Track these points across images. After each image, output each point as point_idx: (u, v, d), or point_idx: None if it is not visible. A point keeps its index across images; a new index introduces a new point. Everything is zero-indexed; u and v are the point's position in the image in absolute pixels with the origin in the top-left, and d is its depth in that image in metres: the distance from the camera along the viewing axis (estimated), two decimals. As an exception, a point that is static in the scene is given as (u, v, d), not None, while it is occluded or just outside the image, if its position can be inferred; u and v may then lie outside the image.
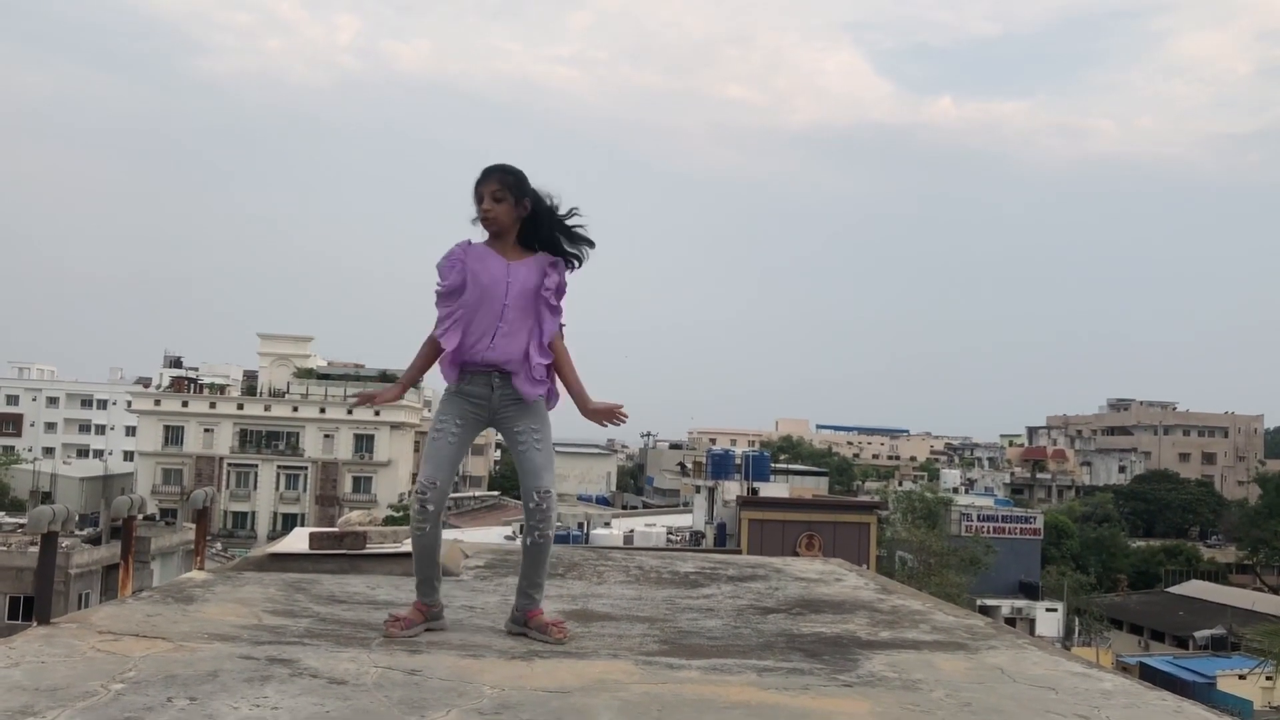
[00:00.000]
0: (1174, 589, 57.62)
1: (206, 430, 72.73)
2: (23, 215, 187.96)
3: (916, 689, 3.27)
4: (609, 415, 3.96)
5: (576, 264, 3.97)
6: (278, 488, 72.31)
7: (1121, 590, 60.72)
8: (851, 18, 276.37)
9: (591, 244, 3.98)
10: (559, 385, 4.00)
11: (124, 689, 2.82)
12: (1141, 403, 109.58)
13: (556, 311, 3.91)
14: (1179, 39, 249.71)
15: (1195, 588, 56.41)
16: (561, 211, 3.94)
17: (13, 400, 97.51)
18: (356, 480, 73.02)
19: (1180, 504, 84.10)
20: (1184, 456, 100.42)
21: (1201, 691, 31.38)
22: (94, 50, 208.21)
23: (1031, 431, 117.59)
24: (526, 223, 3.92)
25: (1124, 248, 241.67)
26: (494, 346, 3.82)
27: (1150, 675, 33.41)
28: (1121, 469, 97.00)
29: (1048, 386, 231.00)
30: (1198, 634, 46.12)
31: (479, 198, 3.87)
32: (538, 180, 3.97)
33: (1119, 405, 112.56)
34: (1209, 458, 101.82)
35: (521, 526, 4.26)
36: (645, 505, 70.36)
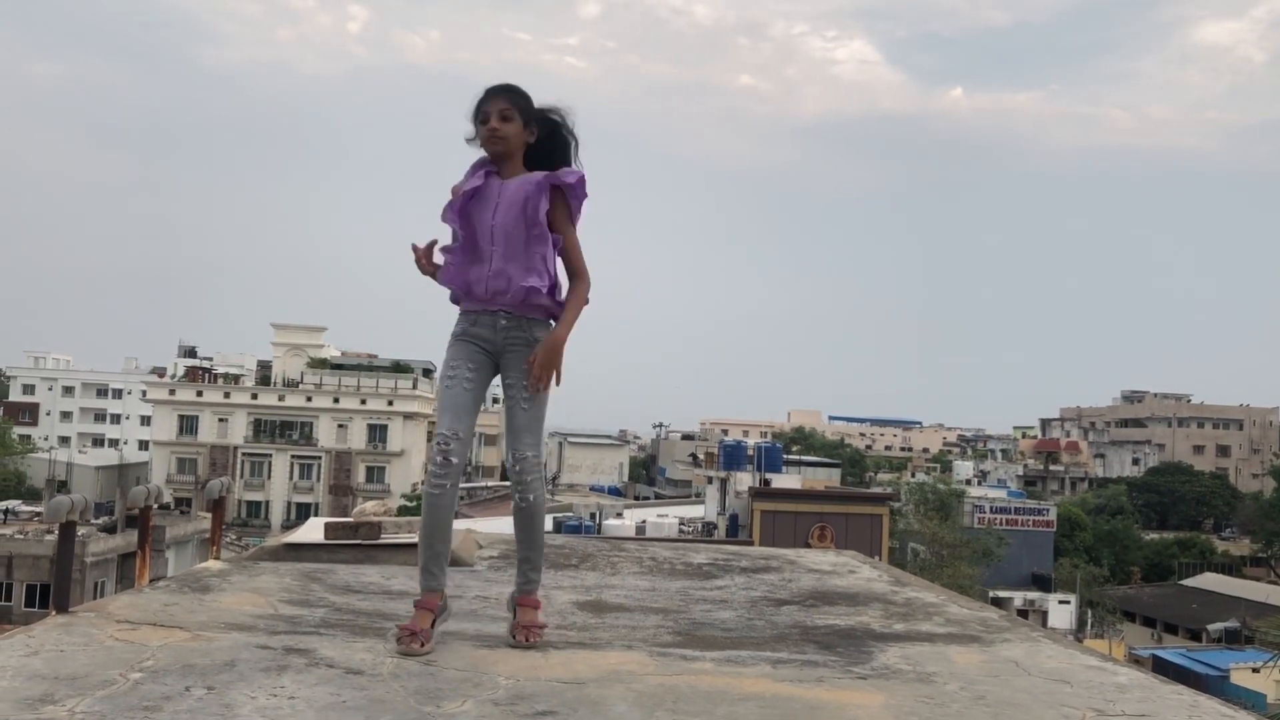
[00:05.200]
0: (1187, 582, 57.47)
1: (221, 420, 73.17)
2: (37, 206, 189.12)
3: (931, 682, 3.26)
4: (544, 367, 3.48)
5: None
6: (291, 477, 72.70)
7: (1134, 583, 60.60)
8: (862, 6, 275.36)
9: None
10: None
11: (142, 678, 2.84)
12: (1155, 395, 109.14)
13: (558, 227, 3.51)
14: (1193, 27, 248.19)
15: (1209, 580, 56.24)
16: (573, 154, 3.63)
17: (29, 389, 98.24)
18: (370, 470, 73.34)
19: (1194, 496, 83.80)
20: (1198, 449, 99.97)
21: (1214, 685, 31.27)
22: (106, 40, 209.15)
23: (1045, 423, 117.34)
24: (531, 149, 3.58)
25: (1136, 238, 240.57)
26: (491, 274, 3.48)
27: (1163, 668, 33.32)
28: (1135, 461, 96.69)
29: (1061, 378, 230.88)
30: (1211, 627, 46.02)
31: (484, 116, 3.51)
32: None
33: (1133, 397, 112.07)
34: (1223, 450, 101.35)
35: None
36: (657, 496, 70.40)
